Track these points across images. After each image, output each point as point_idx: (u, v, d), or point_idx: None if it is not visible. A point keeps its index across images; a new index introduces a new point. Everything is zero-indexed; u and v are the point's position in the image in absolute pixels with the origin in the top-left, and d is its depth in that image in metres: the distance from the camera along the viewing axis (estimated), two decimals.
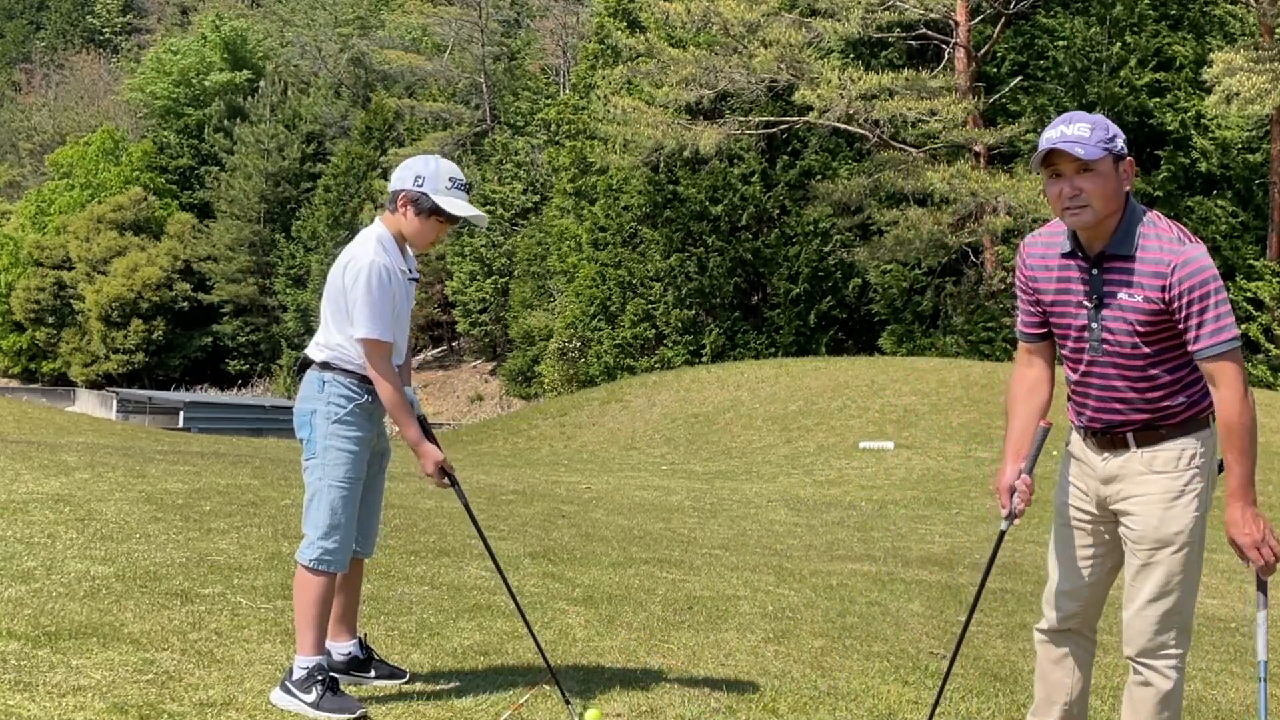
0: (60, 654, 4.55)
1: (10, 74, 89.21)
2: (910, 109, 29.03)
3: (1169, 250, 3.53)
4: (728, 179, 34.41)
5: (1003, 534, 3.94)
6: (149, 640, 4.85)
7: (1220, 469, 3.74)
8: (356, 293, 4.33)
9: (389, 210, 4.52)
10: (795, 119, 31.87)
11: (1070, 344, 3.75)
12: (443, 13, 52.63)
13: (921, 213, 30.07)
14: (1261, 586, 3.72)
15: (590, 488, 13.44)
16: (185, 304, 56.04)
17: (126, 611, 5.27)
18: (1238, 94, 26.16)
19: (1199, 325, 3.50)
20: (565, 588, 6.75)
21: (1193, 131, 31.23)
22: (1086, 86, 31.91)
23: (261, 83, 62.03)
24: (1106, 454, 3.76)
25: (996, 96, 32.38)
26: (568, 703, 4.37)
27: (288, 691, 4.28)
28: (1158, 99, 31.67)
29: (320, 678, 4.29)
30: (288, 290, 54.38)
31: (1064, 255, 3.69)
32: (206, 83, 64.57)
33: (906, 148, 31.01)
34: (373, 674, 4.67)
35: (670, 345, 34.87)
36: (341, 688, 4.38)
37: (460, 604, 6.05)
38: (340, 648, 4.67)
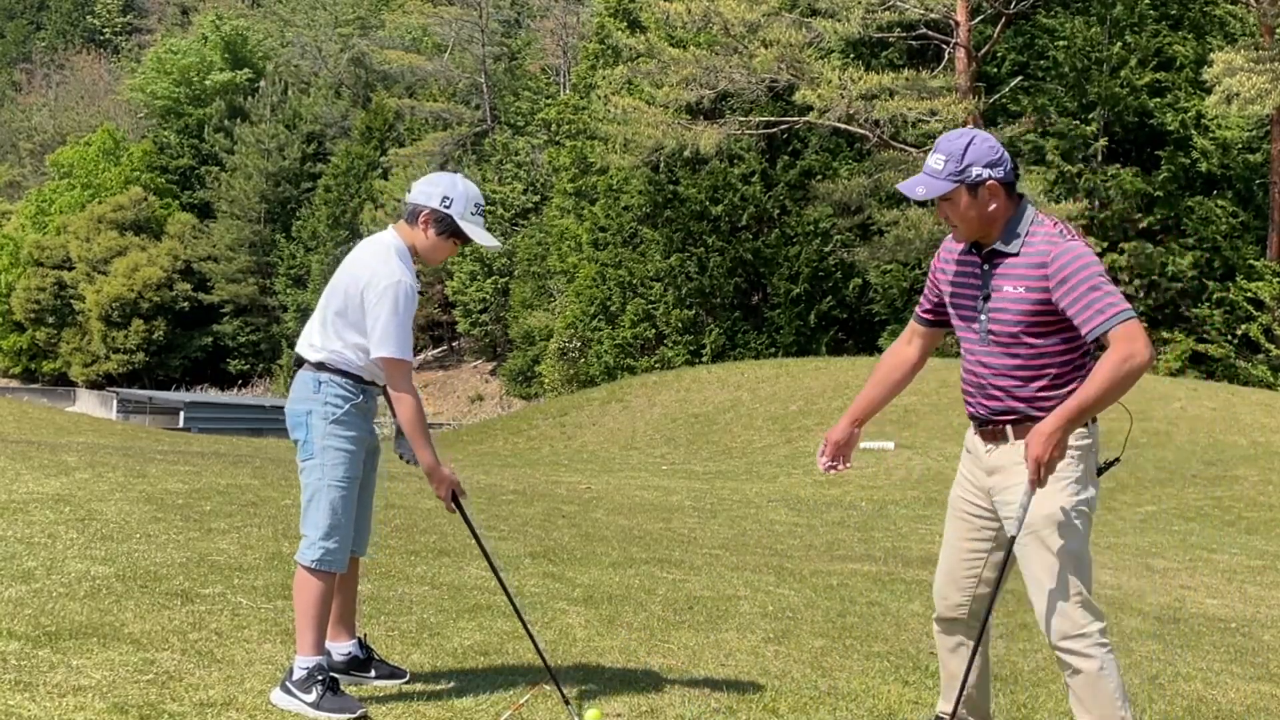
0: (60, 654, 4.55)
1: (10, 74, 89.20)
2: (910, 109, 29.02)
3: (1050, 244, 3.74)
4: (728, 179, 34.40)
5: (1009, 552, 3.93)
6: (149, 640, 4.85)
7: (1102, 470, 3.91)
8: (381, 310, 4.28)
9: (406, 222, 4.47)
10: (795, 119, 31.86)
11: (964, 333, 3.95)
12: (443, 13, 52.61)
13: (922, 213, 30.06)
14: (1030, 485, 3.74)
15: (590, 488, 13.44)
16: (185, 304, 56.02)
17: (127, 611, 5.27)
18: (1238, 94, 26.17)
19: (1085, 308, 3.65)
20: (565, 588, 6.75)
21: (1193, 131, 31.23)
22: (1086, 86, 31.91)
23: (262, 83, 62.03)
24: (990, 446, 3.92)
25: (997, 96, 32.37)
26: (567, 703, 4.37)
27: (288, 692, 4.28)
28: (1158, 99, 31.67)
29: (320, 678, 4.29)
30: (288, 290, 54.38)
31: (965, 252, 3.94)
32: (207, 82, 64.56)
33: (907, 148, 31.00)
34: (373, 674, 4.67)
35: (670, 345, 34.86)
36: (341, 688, 4.38)
37: (460, 604, 6.05)
38: (340, 648, 4.67)
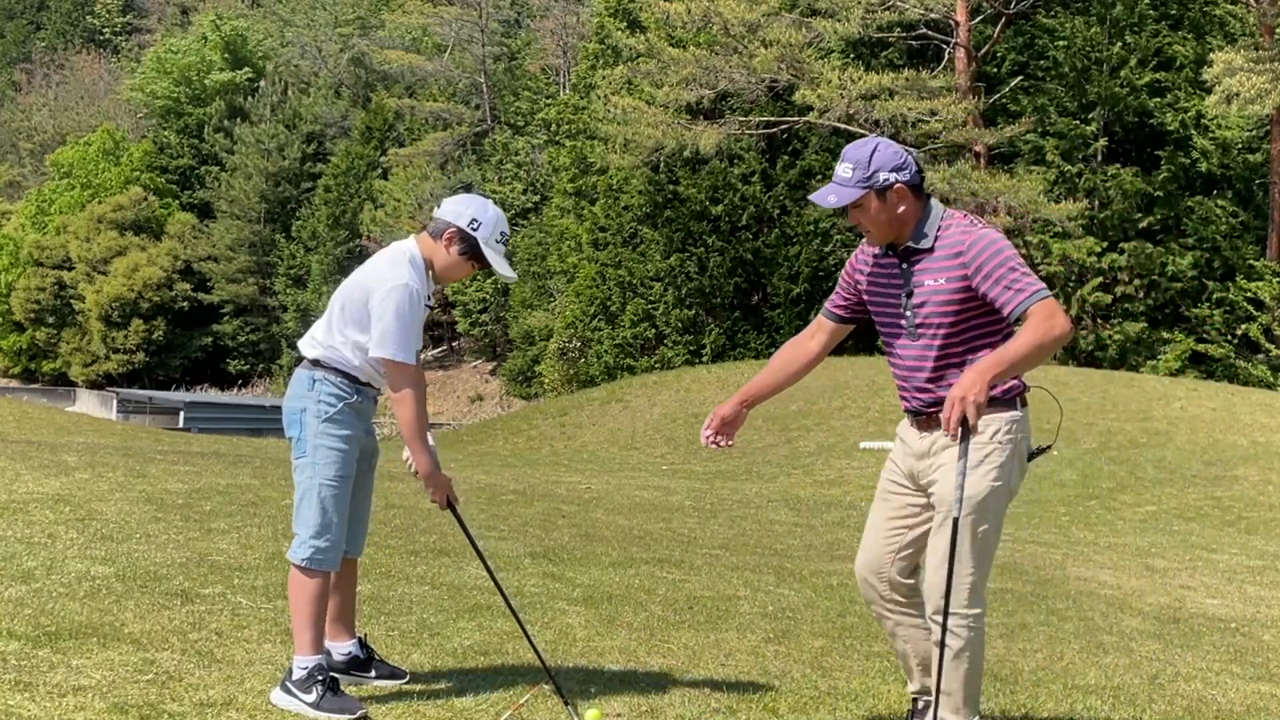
0: (60, 654, 4.55)
1: (10, 74, 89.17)
2: (910, 109, 29.02)
3: (964, 234, 3.93)
4: (728, 179, 34.40)
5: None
6: (149, 640, 4.85)
7: (1033, 456, 4.07)
8: (385, 312, 4.30)
9: (430, 235, 4.48)
10: (795, 119, 31.86)
11: (889, 332, 4.13)
12: (443, 13, 52.58)
13: None
14: (962, 439, 3.82)
15: (590, 488, 13.43)
16: (185, 304, 56.01)
17: (127, 611, 5.27)
18: (1238, 94, 26.18)
19: (1005, 289, 3.82)
20: (565, 588, 6.75)
21: (1193, 131, 31.24)
22: (1086, 86, 31.92)
23: (262, 83, 62.01)
24: (924, 433, 4.09)
25: (997, 96, 32.38)
26: (567, 703, 4.37)
27: (288, 691, 4.29)
28: (1158, 99, 31.67)
29: (320, 678, 4.29)
30: (288, 290, 54.38)
31: (881, 255, 4.10)
32: (207, 82, 64.56)
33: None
34: (373, 674, 4.67)
35: (670, 345, 34.85)
36: (341, 688, 4.38)
37: (460, 604, 6.05)
38: (340, 647, 4.67)
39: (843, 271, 4.29)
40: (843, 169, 3.96)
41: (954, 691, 4.02)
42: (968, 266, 3.88)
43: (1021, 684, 5.40)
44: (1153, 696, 5.39)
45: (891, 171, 3.93)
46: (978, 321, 3.96)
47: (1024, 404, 4.05)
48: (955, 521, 3.88)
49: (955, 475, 3.86)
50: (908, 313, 4.02)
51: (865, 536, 4.27)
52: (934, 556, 4.02)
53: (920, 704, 4.31)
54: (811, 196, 4.06)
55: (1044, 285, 3.83)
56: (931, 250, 3.96)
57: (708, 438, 4.41)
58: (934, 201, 4.03)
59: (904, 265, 4.02)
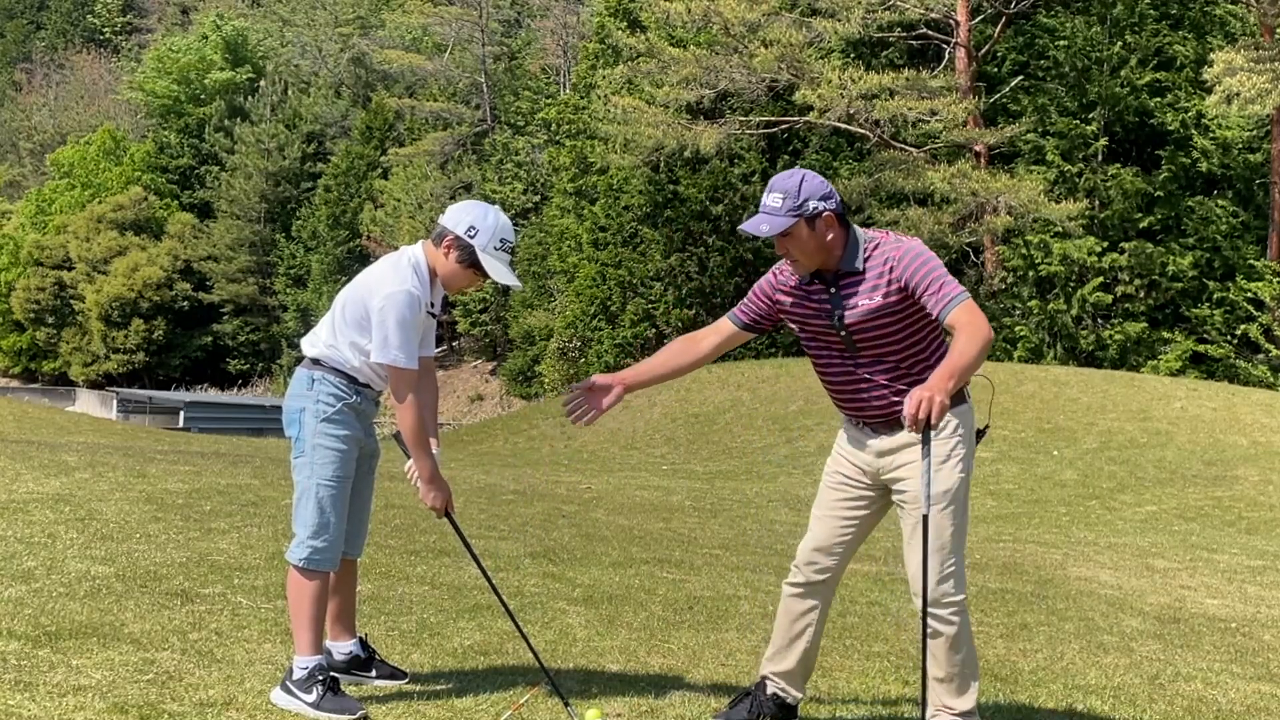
0: (60, 654, 4.55)
1: (10, 74, 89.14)
2: (911, 109, 29.02)
3: (888, 249, 4.13)
4: (728, 179, 34.40)
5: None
6: (149, 640, 4.85)
7: (979, 438, 4.30)
8: (385, 317, 4.29)
9: (432, 242, 4.48)
10: (796, 119, 31.85)
11: (824, 355, 4.27)
12: (443, 13, 52.59)
13: (922, 212, 30.06)
14: (924, 439, 3.98)
15: (590, 488, 13.44)
16: (185, 304, 56.03)
17: (127, 611, 5.27)
18: (1238, 94, 26.15)
19: (933, 294, 4.04)
20: (565, 588, 6.75)
21: (1193, 131, 31.22)
22: (1087, 86, 31.91)
23: (262, 82, 62.01)
24: (882, 434, 4.24)
25: (997, 96, 32.37)
26: (567, 703, 4.37)
27: (288, 691, 4.29)
28: (1158, 99, 31.65)
29: (321, 677, 4.29)
30: (288, 290, 54.38)
31: (805, 283, 4.23)
32: (207, 82, 64.55)
33: (907, 148, 31.00)
34: (374, 674, 4.67)
35: None
36: (342, 688, 4.38)
37: (460, 604, 6.05)
38: (340, 647, 4.67)
39: (758, 286, 4.40)
40: (772, 199, 4.09)
41: (954, 676, 4.20)
42: (900, 278, 4.07)
43: (1021, 684, 5.40)
44: (1153, 696, 5.39)
45: (820, 200, 4.08)
46: (915, 326, 4.14)
47: (969, 394, 4.31)
48: (925, 519, 4.04)
49: (921, 474, 4.01)
50: (842, 333, 4.17)
51: (820, 524, 4.39)
52: (916, 554, 4.15)
53: (770, 690, 4.43)
54: (742, 226, 4.17)
55: (964, 289, 4.07)
56: (862, 273, 4.13)
57: (572, 405, 4.36)
58: (856, 228, 4.21)
59: (832, 290, 4.17)
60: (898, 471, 4.21)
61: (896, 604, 7.12)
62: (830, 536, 4.36)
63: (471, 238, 4.40)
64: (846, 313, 4.14)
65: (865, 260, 4.14)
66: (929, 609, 4.12)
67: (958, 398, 4.21)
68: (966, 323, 3.98)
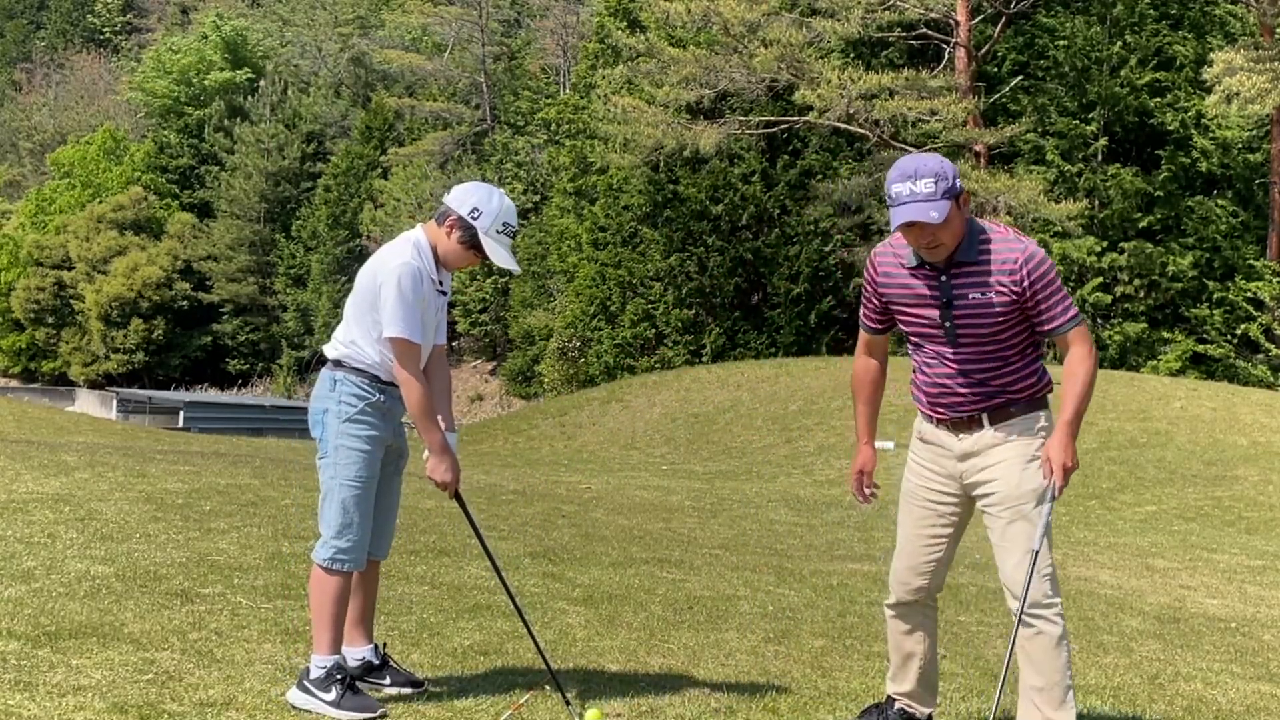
0: (60, 654, 4.55)
1: (10, 74, 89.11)
2: (910, 109, 29.01)
3: (1012, 249, 3.99)
4: (728, 179, 34.38)
5: None
6: (149, 640, 4.85)
7: None
8: (387, 292, 4.30)
9: (435, 221, 4.49)
10: (795, 119, 31.84)
11: (925, 343, 4.15)
12: (443, 12, 52.57)
13: None
14: (1050, 499, 4.12)
15: (590, 488, 13.43)
16: (185, 303, 55.99)
17: (126, 611, 5.27)
18: (1238, 94, 26.16)
19: (1051, 307, 3.99)
20: (565, 588, 6.75)
21: (1193, 131, 31.22)
22: (1086, 86, 31.90)
23: (261, 82, 61.98)
24: (961, 434, 4.17)
25: (997, 96, 32.36)
26: (568, 703, 4.37)
27: (306, 691, 4.25)
28: (1158, 99, 31.65)
29: (339, 677, 4.26)
30: (288, 290, 54.36)
31: (913, 268, 4.09)
32: (207, 82, 64.53)
33: (907, 147, 30.95)
34: (388, 680, 4.60)
35: (670, 345, 34.84)
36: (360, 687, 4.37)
37: (460, 604, 6.05)
38: (355, 653, 4.60)
39: (864, 291, 4.33)
40: (922, 185, 3.85)
41: (1055, 684, 4.06)
42: (1021, 281, 3.96)
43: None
44: (1153, 696, 5.39)
45: (957, 178, 3.94)
46: (1018, 328, 4.07)
47: (1050, 396, 4.26)
48: (1035, 555, 4.04)
49: (1039, 518, 4.07)
50: (948, 323, 4.05)
51: (910, 545, 4.31)
52: (1012, 555, 4.11)
53: (897, 706, 4.39)
54: (907, 217, 3.86)
55: (1078, 309, 4.07)
56: (975, 262, 3.99)
57: (867, 494, 4.41)
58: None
59: (943, 278, 4.03)
60: (982, 474, 4.14)
61: None
62: (920, 555, 4.29)
63: (475, 219, 4.41)
64: (955, 302, 4.01)
65: (978, 249, 3.99)
66: (1029, 611, 4.03)
67: (1040, 401, 4.19)
68: (1080, 357, 4.01)
